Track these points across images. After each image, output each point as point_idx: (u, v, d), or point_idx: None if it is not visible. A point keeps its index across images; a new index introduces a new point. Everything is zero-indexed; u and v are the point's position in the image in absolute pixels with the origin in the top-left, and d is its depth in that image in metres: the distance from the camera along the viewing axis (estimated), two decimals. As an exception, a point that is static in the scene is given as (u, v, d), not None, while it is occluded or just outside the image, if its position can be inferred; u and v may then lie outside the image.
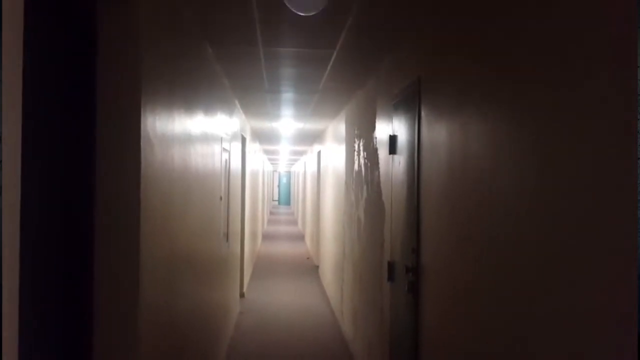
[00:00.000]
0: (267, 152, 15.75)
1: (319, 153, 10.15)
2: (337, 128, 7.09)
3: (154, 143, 2.09)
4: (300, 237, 16.18)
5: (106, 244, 1.83)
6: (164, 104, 2.26)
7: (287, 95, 5.59)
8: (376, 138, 4.20)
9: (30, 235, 1.45)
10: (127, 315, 1.87)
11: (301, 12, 2.60)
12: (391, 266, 3.49)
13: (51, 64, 1.60)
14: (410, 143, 3.06)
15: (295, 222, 21.72)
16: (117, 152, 1.86)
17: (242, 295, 7.55)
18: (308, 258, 11.85)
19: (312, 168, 12.56)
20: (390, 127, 3.63)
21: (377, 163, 4.11)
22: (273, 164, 25.03)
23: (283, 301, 7.53)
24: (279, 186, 36.09)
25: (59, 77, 1.65)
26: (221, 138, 4.34)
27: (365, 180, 4.70)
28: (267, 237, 16.01)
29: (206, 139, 3.51)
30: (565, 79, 1.44)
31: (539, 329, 1.54)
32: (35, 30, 1.48)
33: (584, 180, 1.34)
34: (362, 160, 4.89)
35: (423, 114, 2.85)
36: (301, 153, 15.80)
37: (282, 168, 31.71)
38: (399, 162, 3.36)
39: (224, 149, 4.62)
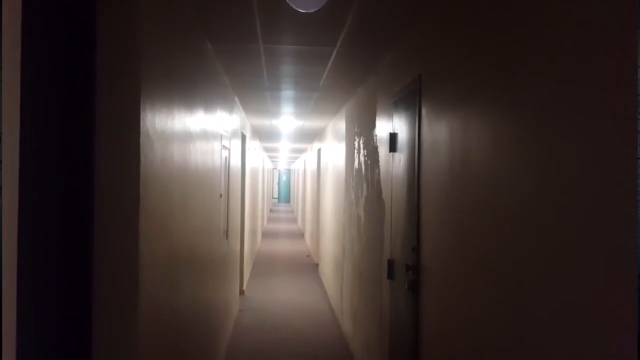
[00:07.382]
0: (267, 149, 15.74)
1: (319, 151, 10.14)
2: (337, 126, 7.07)
3: (154, 140, 2.08)
4: (300, 235, 16.18)
5: (105, 241, 1.82)
6: (164, 101, 2.25)
7: (287, 92, 5.58)
8: (376, 136, 4.19)
9: (29, 233, 1.44)
10: (127, 312, 1.87)
11: (302, 9, 2.59)
12: (391, 264, 3.49)
13: (50, 60, 1.58)
14: (411, 141, 3.05)
15: (295, 220, 21.71)
16: (117, 149, 1.85)
17: (241, 292, 7.55)
18: (308, 256, 11.85)
19: (312, 166, 12.54)
20: (391, 125, 3.62)
21: (377, 161, 4.10)
22: (273, 161, 25.02)
23: (283, 299, 7.52)
24: (278, 184, 36.08)
25: (57, 73, 1.64)
26: (221, 135, 4.33)
27: (365, 178, 4.69)
28: (267, 234, 16.01)
29: (206, 136, 3.50)
30: (566, 78, 1.43)
31: (539, 327, 1.53)
32: (34, 27, 1.47)
33: (584, 180, 1.33)
34: (362, 158, 4.88)
35: (423, 111, 2.84)
36: (301, 151, 15.79)
37: (282, 166, 31.71)
38: (399, 159, 3.35)
39: (224, 147, 4.61)
